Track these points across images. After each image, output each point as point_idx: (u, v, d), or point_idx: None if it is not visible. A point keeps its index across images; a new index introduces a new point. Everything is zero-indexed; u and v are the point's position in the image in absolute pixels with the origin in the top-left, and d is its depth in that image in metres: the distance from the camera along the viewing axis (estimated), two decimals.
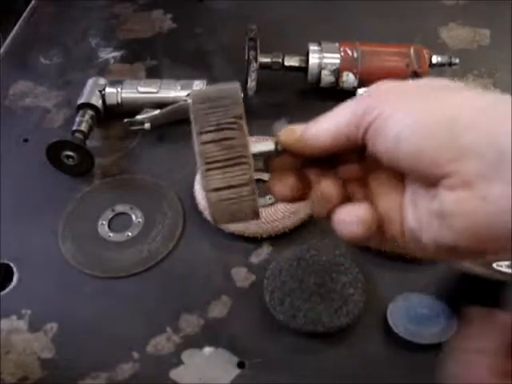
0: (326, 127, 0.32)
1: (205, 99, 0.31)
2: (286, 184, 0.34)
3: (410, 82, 0.32)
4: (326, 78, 0.79)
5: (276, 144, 0.33)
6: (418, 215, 0.30)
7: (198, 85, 0.78)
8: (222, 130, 0.30)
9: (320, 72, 0.78)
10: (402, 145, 0.28)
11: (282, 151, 0.33)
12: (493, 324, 0.34)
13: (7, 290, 0.63)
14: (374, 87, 0.31)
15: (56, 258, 0.65)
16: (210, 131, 0.30)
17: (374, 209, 0.31)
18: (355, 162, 0.33)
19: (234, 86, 0.32)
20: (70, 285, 0.63)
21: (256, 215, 0.32)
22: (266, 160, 0.34)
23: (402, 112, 0.28)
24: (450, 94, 0.29)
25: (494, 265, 0.58)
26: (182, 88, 0.78)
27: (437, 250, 0.29)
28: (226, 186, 0.31)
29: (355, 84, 0.78)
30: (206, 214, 0.67)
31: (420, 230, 0.29)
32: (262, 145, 0.33)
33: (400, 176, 0.31)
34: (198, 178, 0.69)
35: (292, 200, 0.34)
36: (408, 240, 0.30)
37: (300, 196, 0.34)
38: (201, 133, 0.31)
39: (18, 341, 0.59)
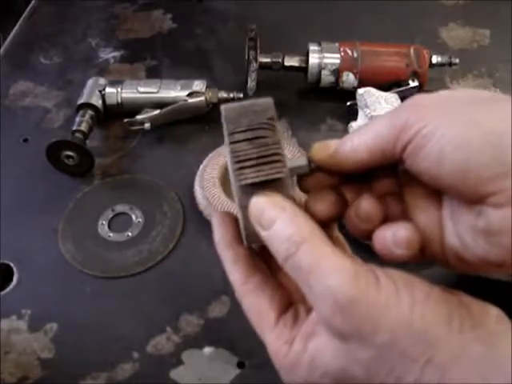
0: (362, 141, 0.30)
1: (237, 106, 0.30)
2: (324, 203, 0.32)
3: (450, 93, 0.30)
4: (326, 77, 0.79)
5: (309, 161, 0.32)
6: (459, 232, 0.29)
7: (198, 85, 0.78)
8: (255, 129, 0.30)
9: (320, 72, 0.78)
10: (445, 162, 0.26)
11: (315, 169, 0.32)
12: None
13: (7, 289, 0.63)
14: (410, 100, 0.30)
15: (56, 257, 0.65)
16: (242, 131, 0.30)
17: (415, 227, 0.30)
18: (390, 176, 0.32)
19: (267, 98, 0.31)
20: (70, 285, 0.63)
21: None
22: (299, 178, 0.33)
23: (444, 127, 0.27)
24: (495, 106, 0.27)
25: None
26: (182, 88, 0.78)
27: (482, 265, 0.28)
28: (258, 182, 0.30)
29: (355, 84, 0.78)
30: (206, 214, 0.67)
31: (463, 247, 0.28)
32: (294, 161, 0.32)
33: (437, 190, 0.30)
34: (198, 181, 0.69)
35: (330, 220, 0.32)
36: (449, 257, 0.30)
37: (338, 215, 0.32)
38: (233, 133, 0.30)
39: (18, 341, 0.59)
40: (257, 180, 0.30)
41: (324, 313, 0.27)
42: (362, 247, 0.37)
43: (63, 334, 0.59)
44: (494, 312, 0.27)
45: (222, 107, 0.31)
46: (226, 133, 0.30)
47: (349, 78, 0.78)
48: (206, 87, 0.78)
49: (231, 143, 0.30)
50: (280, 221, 0.29)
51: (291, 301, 0.32)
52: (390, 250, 0.29)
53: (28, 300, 0.62)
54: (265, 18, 0.94)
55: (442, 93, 0.30)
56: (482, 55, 0.90)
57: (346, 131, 0.76)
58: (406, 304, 0.26)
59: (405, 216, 0.31)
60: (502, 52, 0.89)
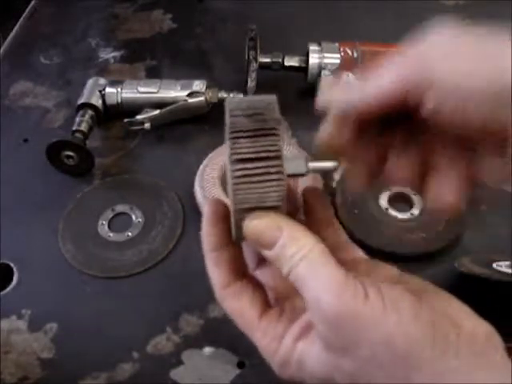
0: (386, 75, 0.29)
1: (239, 98, 0.31)
2: (362, 172, 0.33)
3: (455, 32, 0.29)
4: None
5: (306, 161, 0.32)
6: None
7: (198, 85, 0.78)
8: (255, 108, 0.30)
9: (320, 72, 0.78)
10: (475, 97, 0.26)
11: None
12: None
13: (7, 289, 0.63)
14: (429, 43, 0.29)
15: (56, 257, 0.65)
16: (241, 109, 0.30)
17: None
18: (405, 129, 0.32)
19: (270, 95, 0.31)
20: (70, 285, 0.63)
21: (279, 201, 0.30)
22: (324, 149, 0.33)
23: (469, 65, 0.27)
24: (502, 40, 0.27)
25: (494, 265, 0.58)
26: (182, 88, 0.78)
27: None
28: (253, 157, 0.29)
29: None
30: None
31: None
32: (291, 161, 0.32)
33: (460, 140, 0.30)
34: (198, 181, 0.69)
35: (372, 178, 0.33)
36: None
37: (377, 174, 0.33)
38: (232, 110, 0.30)
39: (18, 341, 0.59)
40: (248, 157, 0.29)
41: (314, 321, 0.28)
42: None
43: (63, 334, 0.59)
44: (483, 330, 0.27)
45: (227, 99, 0.31)
46: (227, 115, 0.30)
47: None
48: (206, 87, 0.78)
49: (230, 117, 0.30)
50: (280, 241, 0.29)
51: (276, 297, 0.33)
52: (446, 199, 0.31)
53: (28, 300, 0.62)
54: (265, 18, 0.94)
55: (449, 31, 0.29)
56: None
57: None
58: (392, 323, 0.26)
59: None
60: None
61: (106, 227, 0.68)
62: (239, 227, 0.30)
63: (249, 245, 0.33)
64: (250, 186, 0.29)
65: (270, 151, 0.29)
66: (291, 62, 0.80)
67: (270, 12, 0.97)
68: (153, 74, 0.89)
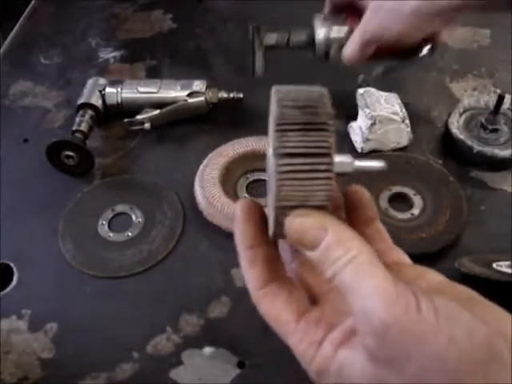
0: None
1: (288, 87, 0.29)
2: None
3: None
4: (335, 53, 0.72)
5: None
6: None
7: (198, 85, 0.78)
8: (306, 99, 0.28)
9: (328, 46, 0.70)
10: None
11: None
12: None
13: (7, 289, 0.63)
14: None
15: (56, 257, 0.65)
16: (291, 99, 0.28)
17: None
18: None
19: (319, 87, 0.29)
20: (70, 285, 0.63)
21: (326, 200, 0.28)
22: None
23: None
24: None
25: (494, 265, 0.58)
26: (182, 88, 0.78)
27: None
28: (301, 152, 0.27)
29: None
30: (206, 214, 0.67)
31: None
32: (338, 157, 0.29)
33: None
34: (198, 181, 0.69)
35: None
36: None
37: None
38: (280, 99, 0.28)
39: (18, 341, 0.59)
40: (296, 151, 0.27)
41: (360, 331, 0.26)
42: None
43: (63, 334, 0.59)
44: None
45: (274, 88, 0.29)
46: (274, 105, 0.28)
47: None
48: (206, 87, 0.78)
49: (279, 107, 0.28)
50: (325, 242, 0.27)
51: (316, 297, 0.31)
52: None
53: (28, 300, 0.62)
54: (265, 18, 0.93)
55: None
56: (482, 55, 0.90)
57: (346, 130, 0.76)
58: (445, 340, 0.24)
59: None
60: (501, 52, 0.89)
61: (106, 227, 0.68)
62: (280, 224, 0.28)
63: (289, 243, 0.31)
64: (295, 183, 0.27)
65: (320, 147, 0.27)
66: (298, 37, 0.74)
67: (270, 12, 0.97)
68: (153, 74, 0.89)
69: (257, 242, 0.31)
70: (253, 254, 0.31)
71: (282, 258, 0.33)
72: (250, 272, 0.31)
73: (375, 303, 0.25)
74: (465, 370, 0.24)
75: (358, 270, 0.26)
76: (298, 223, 0.28)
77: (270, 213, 0.30)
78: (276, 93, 0.28)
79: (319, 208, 0.28)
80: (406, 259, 0.33)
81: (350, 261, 0.26)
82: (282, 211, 0.28)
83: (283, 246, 0.33)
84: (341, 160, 0.29)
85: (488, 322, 0.25)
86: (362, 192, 0.33)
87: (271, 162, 0.29)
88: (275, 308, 0.30)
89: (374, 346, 0.25)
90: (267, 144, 0.30)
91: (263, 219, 0.31)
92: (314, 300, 0.32)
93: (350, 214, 0.33)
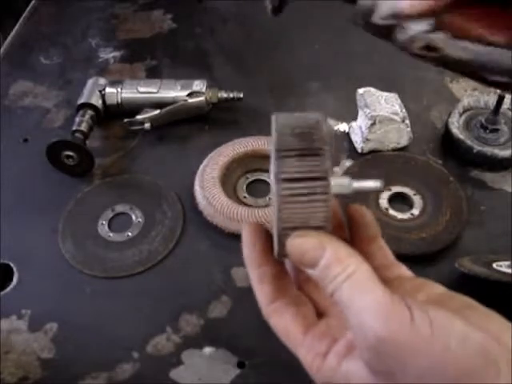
0: None
1: (286, 114, 0.30)
2: None
3: None
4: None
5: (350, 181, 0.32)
6: None
7: (198, 85, 0.78)
8: (302, 126, 0.30)
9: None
10: None
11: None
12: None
13: (7, 289, 0.63)
14: None
15: (56, 258, 0.65)
16: (289, 127, 0.30)
17: None
18: None
19: (316, 113, 0.31)
20: (70, 285, 0.63)
21: (325, 221, 0.29)
22: None
23: None
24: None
25: (494, 265, 0.58)
26: (182, 88, 0.78)
27: None
28: (299, 176, 0.29)
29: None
30: (206, 214, 0.67)
31: None
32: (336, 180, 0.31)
33: None
34: (198, 181, 0.69)
35: None
36: None
37: None
38: (278, 127, 0.30)
39: (18, 341, 0.59)
40: (295, 176, 0.29)
41: (357, 345, 0.27)
42: None
43: (63, 334, 0.59)
44: None
45: (274, 115, 0.31)
46: (274, 133, 0.30)
47: None
48: (206, 87, 0.78)
49: (278, 135, 0.30)
50: (324, 261, 0.28)
51: (322, 311, 0.33)
52: None
53: (28, 300, 0.62)
54: (265, 18, 0.93)
55: None
56: None
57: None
58: (439, 349, 0.25)
59: None
60: None
61: (106, 227, 0.68)
62: (283, 244, 0.30)
63: (291, 262, 0.33)
64: (295, 206, 0.29)
65: (316, 171, 0.29)
66: None
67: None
68: (153, 74, 0.89)
69: (264, 261, 0.33)
70: (261, 273, 0.33)
71: (290, 274, 0.34)
72: (259, 289, 0.33)
73: (370, 318, 0.26)
74: (461, 377, 0.25)
75: (355, 286, 0.27)
76: (298, 244, 0.29)
77: (274, 233, 0.31)
78: (275, 121, 0.30)
79: (319, 228, 0.29)
80: (407, 273, 0.34)
81: (348, 277, 0.27)
82: (284, 232, 0.30)
83: (289, 264, 0.34)
84: (338, 182, 0.31)
85: (484, 329, 0.26)
86: (362, 212, 0.34)
87: (272, 186, 0.30)
88: (284, 322, 0.32)
89: (371, 359, 0.26)
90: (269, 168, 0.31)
91: (269, 240, 0.32)
92: (320, 314, 0.33)
93: (352, 232, 0.34)
